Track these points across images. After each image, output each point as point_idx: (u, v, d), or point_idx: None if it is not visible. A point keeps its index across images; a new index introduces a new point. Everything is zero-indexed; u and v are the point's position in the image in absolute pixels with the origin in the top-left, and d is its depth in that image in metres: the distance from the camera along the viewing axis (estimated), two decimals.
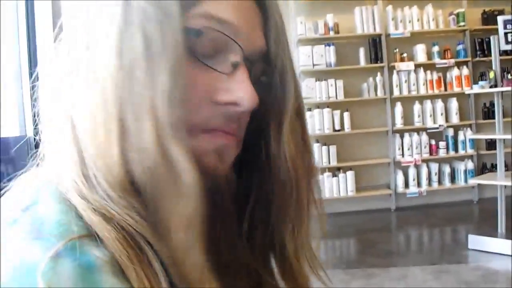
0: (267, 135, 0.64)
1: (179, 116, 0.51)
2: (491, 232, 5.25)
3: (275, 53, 0.62)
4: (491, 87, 5.32)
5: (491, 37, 5.43)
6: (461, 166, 7.11)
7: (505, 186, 5.24)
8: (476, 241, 5.20)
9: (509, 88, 5.21)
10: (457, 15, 7.11)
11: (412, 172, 7.07)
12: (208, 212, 0.52)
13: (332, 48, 6.96)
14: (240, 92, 0.56)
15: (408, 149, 7.05)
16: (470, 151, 7.16)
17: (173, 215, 0.50)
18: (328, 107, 6.97)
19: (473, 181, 6.25)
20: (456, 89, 7.06)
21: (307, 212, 0.65)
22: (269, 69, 0.62)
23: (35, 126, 0.61)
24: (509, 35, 5.26)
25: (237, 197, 0.66)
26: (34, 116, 0.61)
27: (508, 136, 5.21)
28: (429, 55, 7.17)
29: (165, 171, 0.50)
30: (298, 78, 0.61)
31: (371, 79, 7.06)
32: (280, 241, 0.65)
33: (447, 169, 7.12)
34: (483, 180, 6.03)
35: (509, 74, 5.98)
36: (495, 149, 5.50)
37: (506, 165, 5.42)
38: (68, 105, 0.55)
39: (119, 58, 0.51)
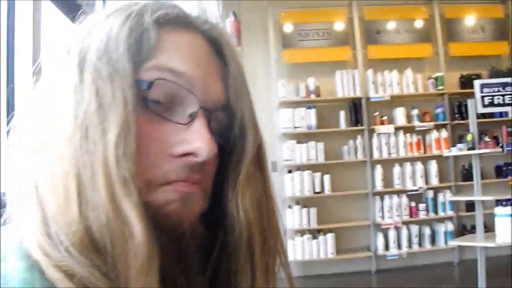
0: (225, 186, 0.63)
1: (132, 171, 0.51)
2: None
3: (234, 104, 0.62)
4: (469, 149, 5.41)
5: (468, 101, 5.55)
6: (441, 228, 7.13)
7: (485, 247, 5.26)
8: None
9: (486, 150, 5.30)
10: (436, 79, 7.29)
11: (392, 234, 7.06)
12: (170, 265, 0.53)
13: (313, 110, 7.06)
14: (197, 142, 0.56)
15: (388, 211, 7.07)
16: (450, 212, 7.19)
17: (129, 269, 0.50)
18: (308, 169, 7.00)
19: (453, 243, 6.26)
20: (436, 152, 7.15)
21: (264, 267, 0.63)
22: (229, 120, 0.62)
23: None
24: (485, 98, 5.40)
25: (203, 248, 0.64)
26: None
27: (486, 198, 5.26)
28: (409, 118, 7.29)
29: (118, 227, 0.51)
30: (260, 130, 0.60)
31: (351, 141, 7.14)
32: None
33: (427, 231, 7.13)
34: (462, 242, 6.04)
35: (486, 137, 6.11)
36: (474, 210, 5.53)
37: (485, 226, 5.44)
38: (30, 165, 0.55)
39: (74, 117, 0.52)
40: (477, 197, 5.35)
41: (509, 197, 5.46)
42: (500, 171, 7.30)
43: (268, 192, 0.64)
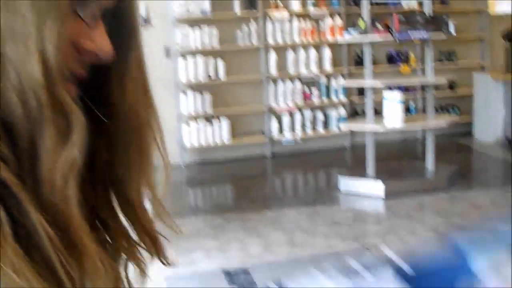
0: (110, 85, 0.63)
1: (62, 59, 0.50)
2: (361, 174, 5.47)
3: (121, 6, 0.61)
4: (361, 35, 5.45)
5: None
6: (333, 113, 7.34)
7: (374, 132, 5.47)
8: (347, 184, 5.41)
9: (378, 38, 5.38)
10: None
11: (286, 119, 7.19)
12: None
13: None
14: (101, 42, 0.56)
15: (283, 97, 7.15)
16: (342, 98, 7.38)
17: (55, 162, 0.49)
18: (202, 54, 6.87)
19: (344, 126, 6.48)
20: (329, 38, 7.20)
21: (149, 158, 0.65)
22: (114, 20, 0.61)
23: None
24: None
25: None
26: None
27: (376, 83, 5.41)
28: (304, 4, 7.23)
29: (52, 113, 0.48)
30: (140, 28, 0.60)
31: (245, 27, 7.03)
32: (123, 185, 0.65)
33: (320, 116, 7.31)
34: (353, 126, 6.26)
35: (379, 25, 6.17)
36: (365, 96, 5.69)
37: (377, 113, 5.62)
38: None
39: None
40: (367, 82, 5.47)
41: (398, 83, 5.65)
42: (391, 59, 7.50)
43: (147, 90, 0.65)
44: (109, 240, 0.65)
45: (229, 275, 3.60)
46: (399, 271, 0.74)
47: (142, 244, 0.66)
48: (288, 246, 4.14)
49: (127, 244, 0.65)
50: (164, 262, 0.65)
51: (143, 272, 0.66)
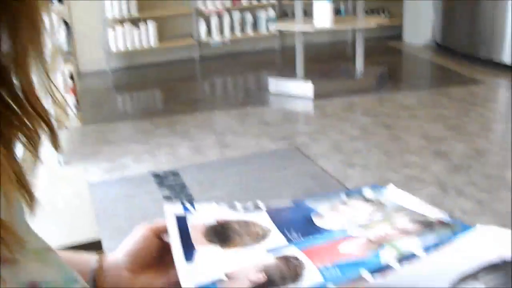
0: None
1: None
2: (291, 76, 5.44)
3: None
4: None
5: None
6: (263, 15, 7.19)
7: (304, 33, 5.40)
8: (277, 85, 5.38)
9: None
10: None
11: (215, 21, 7.00)
12: None
13: None
14: None
15: None
16: None
17: None
18: None
19: (273, 28, 6.37)
20: None
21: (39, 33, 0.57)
22: None
23: None
24: None
25: None
26: None
27: None
28: None
29: None
30: None
31: None
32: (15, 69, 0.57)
33: (249, 18, 7.16)
34: (282, 26, 6.16)
35: None
36: None
37: (305, 13, 5.53)
38: None
39: None
40: None
41: None
42: None
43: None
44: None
45: (158, 177, 3.56)
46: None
47: (36, 127, 0.59)
48: (218, 148, 4.12)
49: (19, 124, 0.59)
50: (57, 148, 0.59)
51: (35, 156, 0.60)
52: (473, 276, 0.68)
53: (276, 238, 0.85)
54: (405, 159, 3.76)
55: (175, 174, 3.60)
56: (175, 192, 3.31)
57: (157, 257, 0.87)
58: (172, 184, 3.45)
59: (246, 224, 0.90)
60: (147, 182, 3.54)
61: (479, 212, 3.03)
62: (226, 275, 0.74)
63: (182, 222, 0.89)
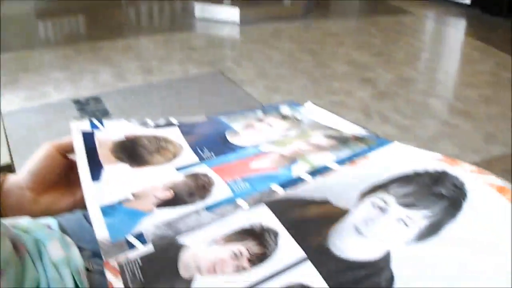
0: None
1: None
2: (217, 0, 5.31)
3: None
4: None
5: None
6: None
7: None
8: (203, 10, 5.25)
9: None
10: None
11: None
12: None
13: None
14: None
15: None
16: None
17: None
18: None
19: None
20: None
21: None
22: None
23: None
24: None
25: None
26: None
27: None
28: None
29: None
30: None
31: None
32: None
33: None
34: None
35: None
36: None
37: None
38: None
39: None
40: None
41: None
42: None
43: None
44: None
45: (79, 103, 3.45)
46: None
47: None
48: (143, 73, 4.01)
49: None
50: None
51: None
52: (383, 187, 0.68)
53: (187, 156, 0.83)
54: (330, 85, 3.78)
55: (97, 100, 3.49)
56: (96, 118, 3.22)
57: (62, 176, 0.83)
58: (93, 110, 3.35)
59: (156, 139, 0.87)
60: (68, 108, 3.41)
61: (402, 137, 3.09)
62: (133, 194, 0.71)
63: (89, 139, 0.85)
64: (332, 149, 0.81)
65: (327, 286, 0.54)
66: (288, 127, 0.95)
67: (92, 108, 3.38)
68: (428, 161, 0.72)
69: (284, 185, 0.70)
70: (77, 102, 3.47)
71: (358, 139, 0.86)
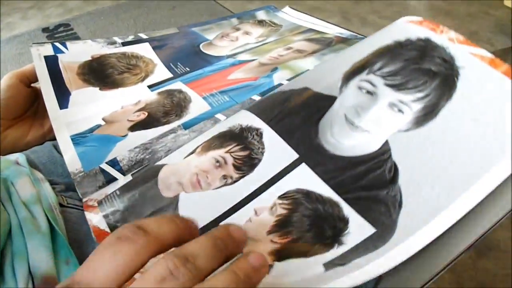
0: None
1: None
2: None
3: None
4: None
5: None
6: None
7: None
8: None
9: None
10: None
11: None
12: None
13: None
14: None
15: None
16: None
17: None
18: None
19: None
20: None
21: None
22: None
23: None
24: None
25: None
26: None
27: None
28: None
29: None
30: None
31: None
32: None
33: None
34: None
35: None
36: None
37: None
38: None
39: None
40: None
41: None
42: None
43: None
44: None
45: (48, 30, 3.32)
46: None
47: None
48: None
49: None
50: None
51: None
52: (366, 66, 0.60)
53: (160, 72, 0.77)
54: None
55: (66, 25, 3.37)
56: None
57: (27, 107, 0.77)
58: (63, 36, 3.24)
59: (126, 57, 0.80)
60: (36, 38, 3.28)
61: None
62: (104, 120, 0.66)
63: (53, 64, 0.78)
64: (316, 53, 0.75)
65: (331, 189, 0.50)
66: (266, 33, 0.88)
67: (61, 34, 3.26)
68: (408, 28, 0.64)
69: (266, 94, 0.65)
70: (45, 29, 3.35)
71: (342, 40, 0.80)
